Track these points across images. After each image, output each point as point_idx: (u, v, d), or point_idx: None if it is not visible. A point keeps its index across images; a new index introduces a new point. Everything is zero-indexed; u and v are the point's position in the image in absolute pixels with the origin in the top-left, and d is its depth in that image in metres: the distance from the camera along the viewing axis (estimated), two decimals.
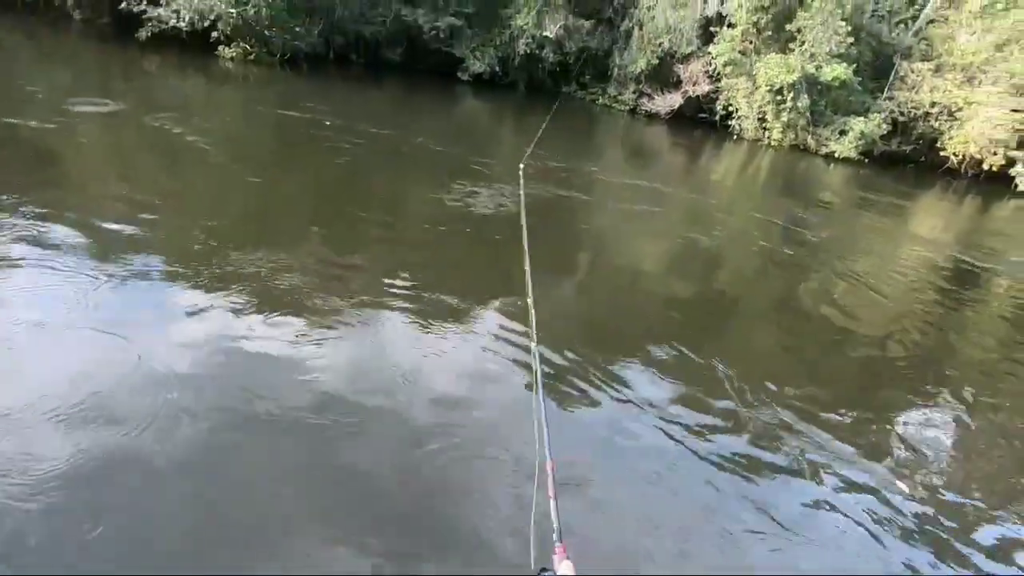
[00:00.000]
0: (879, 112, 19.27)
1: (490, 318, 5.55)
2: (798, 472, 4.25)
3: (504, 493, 3.50)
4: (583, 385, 4.75)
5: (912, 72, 19.89)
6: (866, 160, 19.80)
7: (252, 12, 16.88)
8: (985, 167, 19.61)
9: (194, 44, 17.34)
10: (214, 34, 17.13)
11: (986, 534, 4.07)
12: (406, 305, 5.46)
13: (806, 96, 18.98)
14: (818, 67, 18.76)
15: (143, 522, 2.96)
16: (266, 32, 17.66)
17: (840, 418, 5.04)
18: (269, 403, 3.85)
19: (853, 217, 14.21)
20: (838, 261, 10.04)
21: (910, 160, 21.24)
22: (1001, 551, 3.95)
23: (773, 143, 20.00)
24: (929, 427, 5.20)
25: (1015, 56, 18.55)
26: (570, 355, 5.11)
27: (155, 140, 9.27)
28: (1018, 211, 18.84)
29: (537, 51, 21.79)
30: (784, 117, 19.26)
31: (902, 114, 20.39)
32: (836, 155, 19.61)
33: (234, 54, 17.48)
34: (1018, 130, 18.58)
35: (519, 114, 20.21)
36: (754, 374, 5.40)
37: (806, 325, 7.34)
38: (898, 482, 4.36)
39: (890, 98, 20.49)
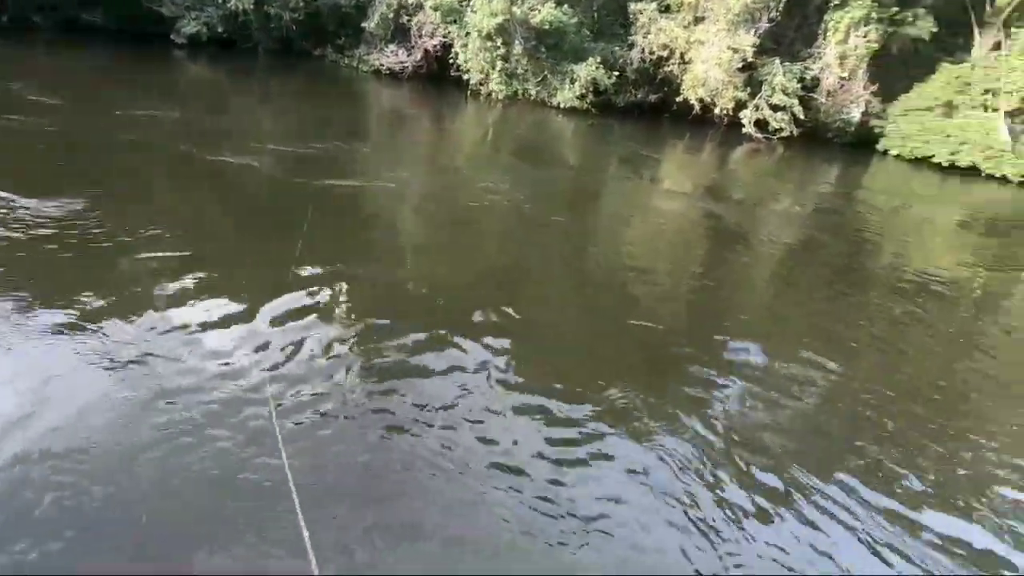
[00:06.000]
0: (595, 56, 17.95)
1: None
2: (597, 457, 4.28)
3: None
4: None
5: (641, 14, 18.73)
6: (593, 110, 18.56)
7: None
8: (717, 111, 18.67)
9: None
10: None
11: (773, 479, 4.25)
12: None
13: (520, 42, 17.64)
14: (531, 9, 17.42)
15: None
16: None
17: (624, 394, 4.98)
18: None
19: (596, 173, 13.92)
20: (598, 223, 10.14)
21: (663, 109, 20.19)
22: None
23: (499, 96, 18.62)
24: (721, 388, 5.38)
25: None
26: None
27: None
28: (753, 153, 18.10)
29: (272, 8, 19.89)
30: (499, 66, 17.89)
31: (642, 60, 19.29)
32: (561, 105, 18.36)
33: None
34: (736, 70, 17.68)
35: (239, 82, 18.34)
36: (539, 354, 5.46)
37: (569, 292, 7.23)
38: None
39: (631, 45, 19.35)
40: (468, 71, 18.73)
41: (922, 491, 4.45)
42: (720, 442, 4.58)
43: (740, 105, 18.58)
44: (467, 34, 17.82)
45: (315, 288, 5.84)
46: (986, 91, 18.12)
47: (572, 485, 3.95)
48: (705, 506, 3.92)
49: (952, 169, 17.98)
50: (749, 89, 18.48)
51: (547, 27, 17.44)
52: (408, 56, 20.04)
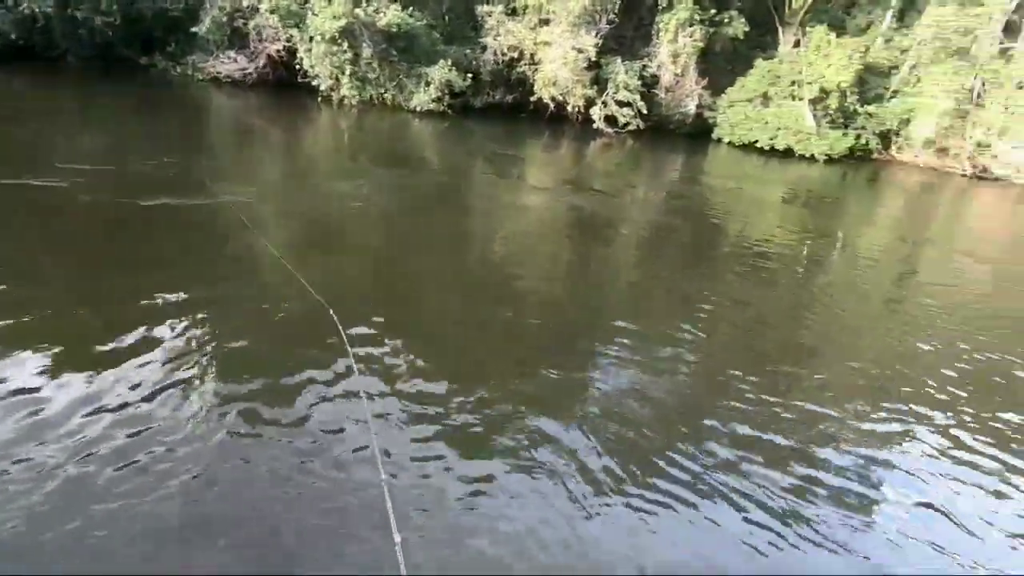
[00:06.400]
0: (447, 59, 17.93)
1: None
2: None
3: None
4: None
5: (489, 17, 19.06)
6: (450, 112, 18.53)
7: None
8: (570, 109, 19.55)
9: None
10: None
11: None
12: None
13: (369, 45, 17.13)
14: (376, 11, 16.97)
15: None
16: None
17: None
18: None
19: (460, 174, 13.63)
20: (467, 223, 10.03)
21: (521, 108, 20.68)
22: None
23: (352, 102, 17.94)
24: (599, 369, 5.64)
25: None
26: None
27: None
28: (606, 147, 19.13)
29: (79, 13, 17.37)
30: (349, 71, 17.23)
31: (495, 62, 19.62)
32: (418, 108, 18.14)
33: None
34: (583, 69, 18.64)
35: (42, 95, 15.76)
36: (420, 357, 5.28)
37: (445, 292, 7.04)
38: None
39: (483, 47, 19.58)
40: (316, 77, 17.78)
41: (781, 446, 4.91)
42: (600, 420, 4.84)
43: (590, 102, 19.55)
44: (311, 38, 16.91)
45: (167, 319, 5.20)
46: (792, 83, 20.72)
47: (456, 472, 4.05)
48: (585, 481, 4.14)
49: (772, 152, 20.35)
50: (596, 87, 19.49)
51: (395, 30, 17.09)
52: (250, 62, 18.64)
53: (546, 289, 7.76)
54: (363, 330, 5.56)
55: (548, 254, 9.36)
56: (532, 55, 19.12)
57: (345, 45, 16.74)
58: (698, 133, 21.87)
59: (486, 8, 19.02)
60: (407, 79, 18.27)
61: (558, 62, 18.29)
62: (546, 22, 19.15)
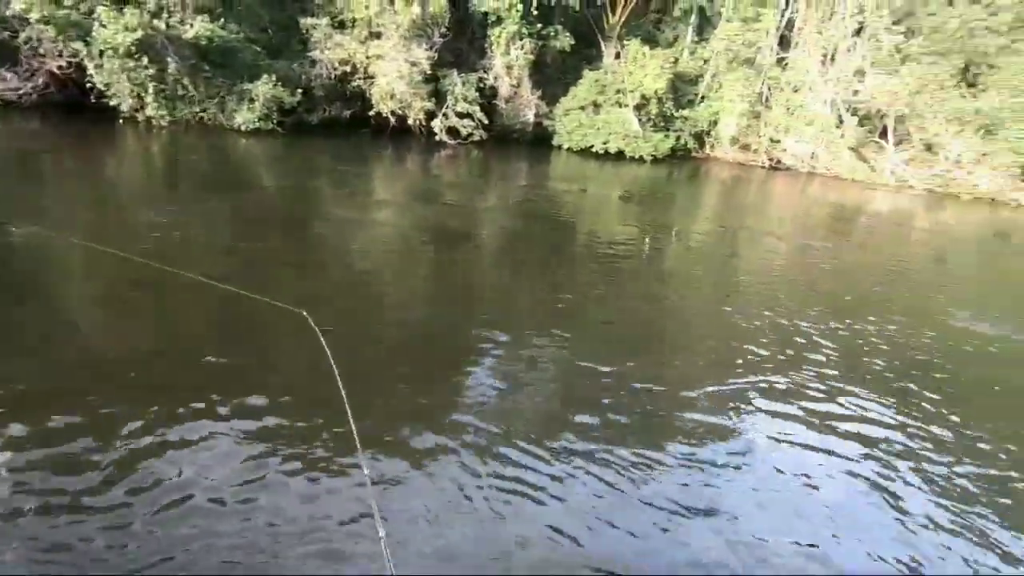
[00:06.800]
0: (271, 74, 16.69)
1: None
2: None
3: None
4: None
5: (315, 30, 18.10)
6: (280, 130, 17.29)
7: None
8: (411, 123, 19.25)
9: None
10: None
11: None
12: None
13: (176, 60, 15.35)
14: (181, 23, 15.25)
15: None
16: None
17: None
18: None
19: (300, 194, 12.60)
20: (314, 243, 9.43)
21: (362, 123, 19.88)
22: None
23: (162, 122, 15.93)
24: (472, 378, 5.66)
25: (400, 7, 18.15)
26: None
27: None
28: (452, 159, 19.07)
29: None
30: (153, 88, 15.29)
31: (329, 76, 18.65)
32: (243, 127, 16.65)
33: None
34: (421, 82, 18.48)
35: None
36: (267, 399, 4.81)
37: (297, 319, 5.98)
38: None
39: (313, 61, 18.50)
40: (115, 96, 15.49)
41: (647, 424, 5.20)
42: (474, 427, 4.84)
43: (431, 115, 19.38)
44: (101, 52, 14.69)
45: None
46: (617, 91, 22.34)
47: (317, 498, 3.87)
48: (468, 488, 4.14)
49: (607, 155, 21.76)
50: (436, 100, 19.37)
51: (205, 43, 15.47)
52: (27, 81, 15.74)
53: (411, 305, 7.53)
54: (198, 379, 4.89)
55: (408, 269, 9.06)
56: (365, 69, 18.46)
57: (145, 60, 14.79)
58: (539, 141, 22.72)
59: (310, 21, 17.99)
60: (228, 96, 16.66)
61: (393, 75, 17.85)
62: (377, 35, 18.63)
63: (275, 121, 16.98)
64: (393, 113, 18.98)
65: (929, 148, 23.07)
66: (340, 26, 18.55)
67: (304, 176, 14.27)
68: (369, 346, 6.12)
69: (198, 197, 11.23)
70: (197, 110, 16.41)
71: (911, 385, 6.50)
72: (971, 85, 22.97)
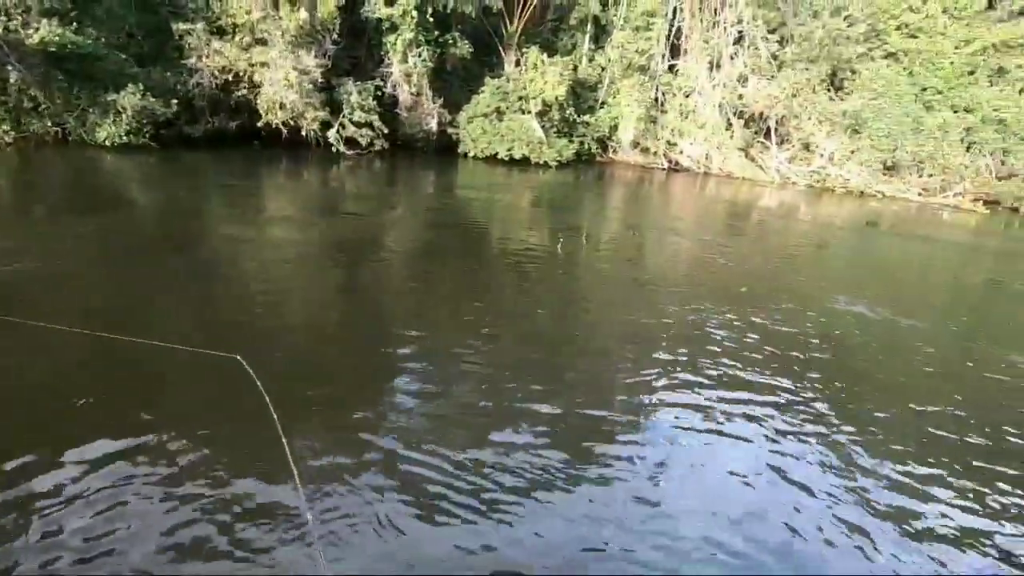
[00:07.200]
0: (138, 84, 15.22)
1: None
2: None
3: None
4: None
5: (190, 35, 16.74)
6: (154, 145, 15.81)
7: None
8: (305, 133, 18.28)
9: None
10: None
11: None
12: None
13: (18, 69, 13.58)
14: (25, 25, 13.52)
15: None
16: None
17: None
18: None
19: (184, 213, 11.55)
20: (208, 265, 8.60)
21: (252, 135, 18.61)
22: None
23: (5, 139, 14.04)
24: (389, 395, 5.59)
25: (286, 12, 17.19)
26: None
27: None
28: (353, 170, 18.29)
29: None
30: None
31: (210, 86, 17.29)
32: (110, 143, 15.05)
33: None
34: (315, 91, 17.60)
35: None
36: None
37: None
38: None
39: (192, 69, 17.08)
40: None
41: (569, 424, 5.12)
42: (400, 443, 4.72)
43: (326, 125, 18.48)
44: None
45: None
46: (520, 98, 22.42)
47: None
48: (390, 503, 4.05)
49: (512, 161, 21.75)
50: (328, 109, 18.50)
51: (55, 49, 13.80)
52: None
53: (322, 324, 7.07)
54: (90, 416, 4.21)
55: (315, 286, 8.45)
56: (250, 77, 17.29)
57: None
58: (445, 149, 22.35)
59: (184, 26, 16.59)
60: (91, 109, 14.98)
61: (280, 84, 16.82)
62: (263, 42, 17.52)
63: (147, 135, 15.46)
64: (285, 124, 17.90)
65: (807, 147, 24.98)
66: (219, 32, 17.26)
67: (188, 194, 13.03)
68: (286, 373, 5.55)
69: (58, 221, 9.86)
70: (51, 124, 14.61)
71: (795, 367, 6.86)
72: (839, 89, 25.17)
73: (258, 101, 17.46)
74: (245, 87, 17.46)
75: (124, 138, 15.02)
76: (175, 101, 16.02)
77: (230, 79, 17.29)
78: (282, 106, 17.25)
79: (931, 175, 23.46)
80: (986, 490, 4.92)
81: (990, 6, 24.30)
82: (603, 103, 25.16)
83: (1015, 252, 16.97)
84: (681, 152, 25.48)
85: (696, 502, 4.43)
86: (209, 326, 6.46)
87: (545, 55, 22.64)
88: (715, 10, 24.87)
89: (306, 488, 4.01)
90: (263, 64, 16.88)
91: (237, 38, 17.20)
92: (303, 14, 17.02)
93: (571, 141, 23.24)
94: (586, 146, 24.33)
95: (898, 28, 24.79)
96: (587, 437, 5.09)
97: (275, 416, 4.63)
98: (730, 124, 24.71)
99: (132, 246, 8.92)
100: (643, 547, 3.93)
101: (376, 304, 8.03)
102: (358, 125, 18.80)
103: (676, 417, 5.59)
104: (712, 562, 3.87)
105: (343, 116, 18.71)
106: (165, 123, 16.17)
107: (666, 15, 24.66)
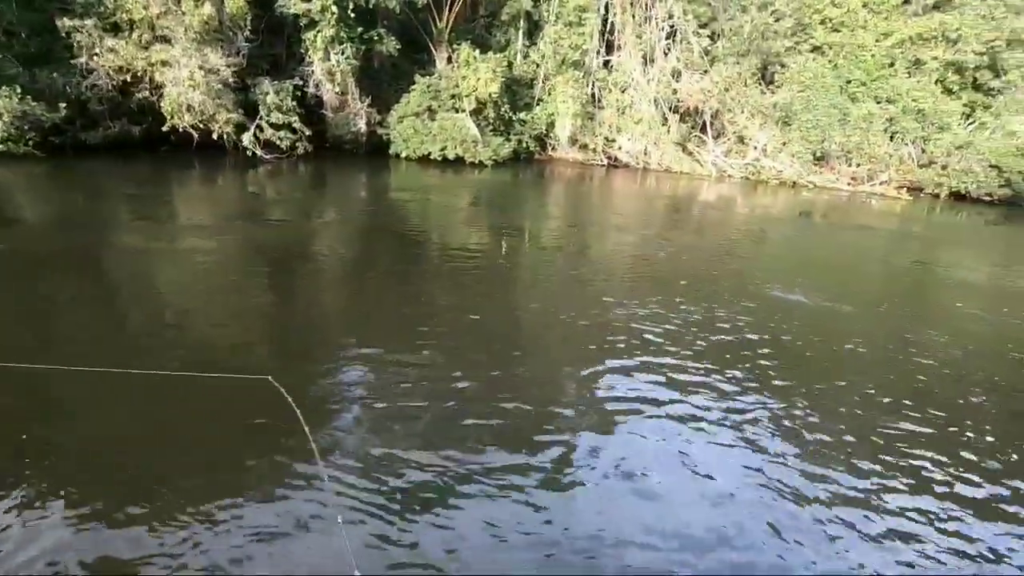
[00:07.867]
0: (15, 86, 13.64)
1: None
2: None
3: None
4: None
5: (79, 33, 15.19)
6: (39, 153, 14.28)
7: None
8: (217, 137, 16.98)
9: None
10: None
11: None
12: None
13: None
14: None
15: None
16: None
17: None
18: None
19: (80, 227, 10.20)
20: (118, 281, 7.99)
21: (160, 140, 17.13)
22: None
23: None
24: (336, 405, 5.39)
25: (189, 7, 15.85)
26: None
27: None
28: (274, 174, 17.10)
29: None
30: None
31: (107, 87, 15.76)
32: None
33: None
34: (228, 92, 16.32)
35: None
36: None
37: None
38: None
39: (86, 70, 15.51)
40: None
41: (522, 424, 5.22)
42: (341, 459, 4.58)
43: (242, 128, 17.22)
44: None
45: None
46: (452, 96, 21.65)
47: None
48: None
49: (446, 162, 20.97)
50: (243, 111, 17.25)
51: None
52: None
53: (251, 340, 6.50)
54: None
55: (240, 299, 7.68)
56: (150, 78, 15.87)
57: None
58: (376, 150, 21.38)
59: (72, 23, 15.03)
60: None
61: (185, 85, 15.50)
62: (165, 39, 16.12)
63: (30, 142, 13.89)
64: (195, 128, 16.54)
65: (741, 140, 25.25)
66: (114, 29, 15.76)
67: (86, 207, 11.81)
68: (179, 394, 5.16)
69: None
70: None
71: (734, 356, 7.00)
72: (769, 82, 25.57)
73: (162, 104, 16.04)
74: (147, 88, 16.02)
75: (2, 145, 13.41)
76: (64, 105, 14.47)
77: (128, 80, 15.82)
78: (189, 108, 15.91)
79: (859, 164, 24.08)
80: (916, 465, 5.13)
81: (906, 1, 25.19)
82: (539, 100, 24.70)
83: (937, 238, 17.45)
84: (619, 148, 25.29)
85: (640, 495, 4.51)
86: (116, 344, 5.99)
87: (477, 51, 21.95)
88: (646, 5, 24.81)
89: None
90: (164, 63, 15.50)
91: (134, 35, 15.75)
92: (208, 9, 15.71)
93: (507, 139, 22.66)
94: (523, 144, 23.81)
95: (822, 22, 25.37)
96: (533, 434, 5.10)
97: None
98: (666, 119, 24.70)
99: (26, 264, 7.89)
100: (590, 543, 3.96)
101: (304, 316, 7.34)
102: (276, 127, 17.62)
103: (621, 410, 5.65)
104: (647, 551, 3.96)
105: (259, 118, 17.47)
106: (53, 129, 14.60)
107: (598, 10, 24.41)
